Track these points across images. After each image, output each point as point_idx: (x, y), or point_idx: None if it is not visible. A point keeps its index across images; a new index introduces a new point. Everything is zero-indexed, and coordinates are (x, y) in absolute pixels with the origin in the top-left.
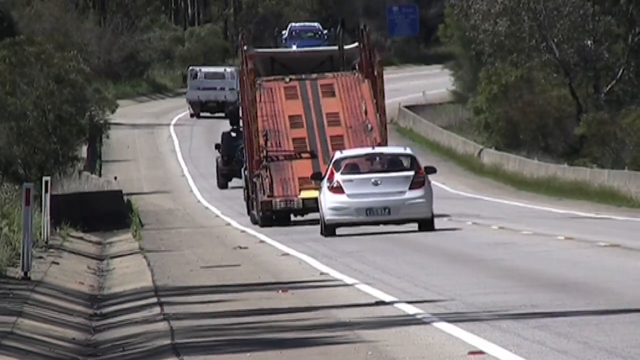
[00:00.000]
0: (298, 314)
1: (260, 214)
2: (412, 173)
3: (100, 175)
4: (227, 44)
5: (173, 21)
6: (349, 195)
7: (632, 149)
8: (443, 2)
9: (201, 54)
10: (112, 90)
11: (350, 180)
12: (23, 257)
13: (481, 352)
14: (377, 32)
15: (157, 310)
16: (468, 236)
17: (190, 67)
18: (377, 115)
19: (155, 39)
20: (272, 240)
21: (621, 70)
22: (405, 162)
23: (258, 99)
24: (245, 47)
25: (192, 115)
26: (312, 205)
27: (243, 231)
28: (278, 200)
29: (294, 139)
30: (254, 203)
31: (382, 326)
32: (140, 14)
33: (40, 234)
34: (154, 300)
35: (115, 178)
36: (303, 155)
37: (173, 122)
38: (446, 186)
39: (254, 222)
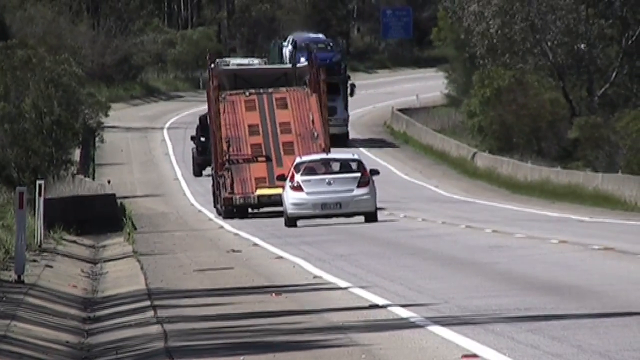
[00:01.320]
0: (291, 317)
1: (223, 207)
2: (359, 175)
3: (93, 178)
4: (220, 47)
5: (166, 24)
6: (307, 193)
7: (625, 152)
8: (437, 5)
9: (194, 57)
10: (106, 93)
11: (309, 181)
12: (17, 261)
13: (475, 356)
14: (371, 35)
15: (150, 313)
16: (461, 239)
17: (219, 60)
18: (322, 124)
19: (148, 42)
20: (265, 243)
21: (614, 74)
22: (354, 166)
23: (222, 111)
24: (212, 66)
25: None
26: (266, 201)
27: (236, 234)
28: (238, 196)
29: (251, 145)
30: (219, 198)
31: (376, 330)
32: (133, 17)
33: (34, 237)
34: (147, 303)
35: (109, 181)
36: (259, 159)
37: (167, 125)
38: (440, 189)
39: (219, 213)
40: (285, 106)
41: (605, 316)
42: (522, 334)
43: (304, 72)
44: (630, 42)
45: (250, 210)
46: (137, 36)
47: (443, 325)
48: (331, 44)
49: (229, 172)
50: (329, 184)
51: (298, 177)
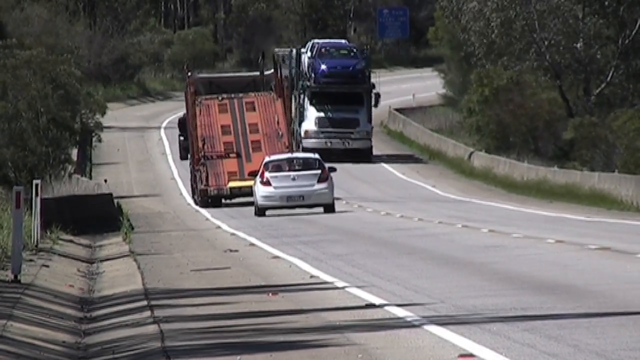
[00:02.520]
0: (288, 316)
1: (199, 198)
2: (319, 171)
3: (90, 178)
4: (216, 47)
5: (163, 24)
6: (274, 187)
7: (622, 151)
8: (433, 5)
9: (190, 57)
10: (103, 93)
11: (276, 177)
12: (13, 260)
13: (471, 355)
14: (367, 35)
15: (147, 313)
16: (458, 239)
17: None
18: (287, 125)
19: (145, 42)
20: (262, 243)
21: (611, 73)
22: (314, 164)
23: (198, 113)
24: (189, 74)
25: None
26: (237, 192)
27: (233, 234)
28: (212, 188)
29: (224, 143)
30: (196, 190)
31: (372, 329)
32: (130, 17)
33: (31, 237)
34: (144, 303)
35: (106, 181)
36: (231, 155)
37: (163, 125)
38: (436, 189)
39: (196, 203)
40: (253, 109)
41: (602, 316)
42: (519, 334)
43: (271, 78)
44: (626, 41)
45: (223, 200)
46: (134, 36)
47: (439, 324)
48: (354, 50)
49: (204, 167)
50: (293, 179)
51: (267, 174)
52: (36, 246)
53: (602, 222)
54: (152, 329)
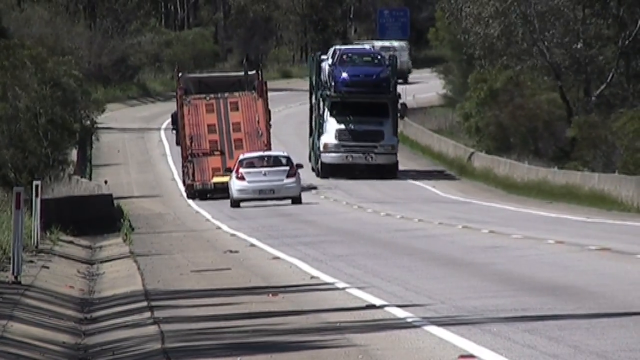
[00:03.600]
0: (288, 317)
1: (187, 191)
2: (287, 168)
3: (90, 179)
4: (217, 47)
5: (163, 25)
6: (248, 182)
7: (622, 152)
8: (434, 6)
9: (190, 58)
10: (103, 94)
11: (249, 172)
12: (13, 261)
13: (472, 356)
14: (368, 36)
15: (147, 314)
16: (458, 240)
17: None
18: (266, 124)
19: (145, 43)
20: (262, 244)
21: (611, 74)
22: (283, 161)
23: (187, 112)
24: (179, 75)
25: None
26: (220, 187)
27: (233, 235)
28: (197, 183)
29: (209, 141)
30: (185, 184)
31: (373, 330)
32: (130, 17)
33: (31, 238)
34: (145, 304)
35: (106, 182)
36: (215, 153)
37: (163, 126)
38: (437, 190)
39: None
40: (237, 109)
41: (602, 316)
42: (519, 334)
43: (254, 78)
44: (627, 42)
45: (208, 195)
46: (134, 37)
47: (440, 325)
48: (379, 57)
49: (191, 164)
50: (265, 175)
51: (241, 170)
52: (36, 247)
53: (602, 222)
54: (152, 329)
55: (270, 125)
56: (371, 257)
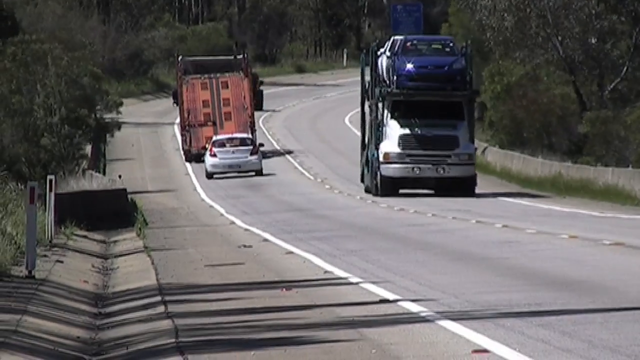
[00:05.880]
0: (302, 312)
1: (185, 156)
2: (252, 147)
3: (104, 173)
4: (231, 42)
5: (177, 20)
6: (219, 158)
7: (636, 147)
8: (447, 1)
9: (204, 53)
10: (118, 90)
11: (220, 151)
12: (27, 256)
13: (485, 351)
14: (382, 30)
15: (161, 308)
16: (472, 234)
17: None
18: (250, 100)
19: (159, 38)
20: (276, 238)
21: (625, 68)
22: (248, 142)
23: (185, 90)
24: (180, 57)
25: None
26: None
27: (247, 230)
28: (193, 149)
29: (204, 114)
30: (184, 150)
31: (386, 324)
32: (144, 12)
33: (45, 232)
34: (158, 298)
35: (120, 177)
36: (209, 124)
37: (177, 121)
38: None
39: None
40: (227, 87)
41: (616, 311)
42: (533, 329)
43: (241, 61)
44: None
45: (202, 159)
46: (148, 32)
47: (453, 320)
48: (451, 44)
49: (189, 133)
50: (233, 153)
51: (214, 149)
52: (50, 242)
53: (616, 217)
54: (166, 324)
55: (254, 101)
56: (384, 252)
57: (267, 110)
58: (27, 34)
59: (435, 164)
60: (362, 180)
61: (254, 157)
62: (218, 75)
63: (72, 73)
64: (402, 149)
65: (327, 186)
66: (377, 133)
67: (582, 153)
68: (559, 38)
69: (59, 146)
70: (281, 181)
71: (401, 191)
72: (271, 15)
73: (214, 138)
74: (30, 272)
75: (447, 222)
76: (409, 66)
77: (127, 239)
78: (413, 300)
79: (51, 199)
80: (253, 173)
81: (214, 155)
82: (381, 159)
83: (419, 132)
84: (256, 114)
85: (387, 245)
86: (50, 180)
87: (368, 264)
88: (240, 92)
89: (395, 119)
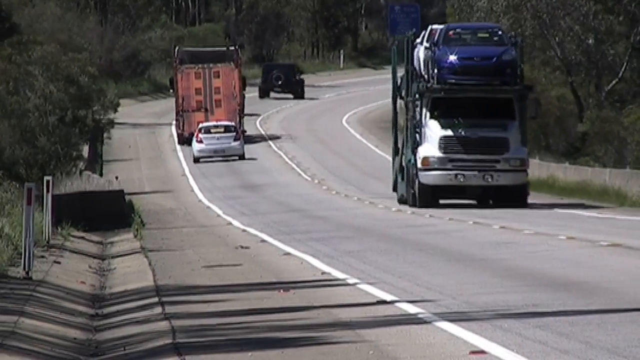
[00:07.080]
0: (299, 313)
1: (178, 139)
2: (235, 134)
3: (101, 174)
4: (228, 43)
5: (174, 21)
6: (205, 144)
7: (634, 147)
8: (445, 2)
9: None
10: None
11: (206, 137)
12: (24, 257)
13: (482, 352)
14: (379, 32)
15: (158, 309)
16: (470, 236)
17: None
18: (239, 89)
19: (156, 39)
20: (273, 240)
21: (623, 69)
22: (232, 129)
23: (180, 79)
24: (177, 48)
25: None
26: None
27: (244, 231)
28: (186, 133)
29: (196, 101)
30: (177, 134)
31: (384, 325)
32: (141, 13)
33: (42, 233)
34: (156, 299)
35: (117, 177)
36: (201, 110)
37: (174, 121)
38: None
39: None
40: (218, 76)
41: (613, 312)
42: (530, 330)
43: (232, 53)
44: (638, 37)
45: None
46: (145, 33)
47: (451, 321)
48: (499, 32)
49: (182, 118)
50: (218, 139)
51: (201, 135)
52: (47, 243)
53: (613, 218)
54: (163, 325)
55: (242, 90)
56: (382, 253)
57: (272, 109)
58: (25, 35)
59: (481, 170)
60: (395, 189)
61: (236, 143)
62: (211, 65)
63: (70, 74)
64: (444, 153)
65: (324, 187)
66: (414, 135)
67: (579, 154)
68: (556, 39)
69: (56, 147)
70: (278, 182)
71: (441, 201)
72: (268, 17)
73: (200, 125)
74: (27, 273)
75: (445, 223)
76: (452, 58)
77: (124, 240)
78: (411, 302)
79: (48, 200)
80: (237, 157)
81: (200, 142)
82: (419, 164)
83: (463, 133)
84: (256, 114)
85: (385, 246)
86: (48, 182)
87: (366, 265)
88: (230, 81)
89: (435, 118)
